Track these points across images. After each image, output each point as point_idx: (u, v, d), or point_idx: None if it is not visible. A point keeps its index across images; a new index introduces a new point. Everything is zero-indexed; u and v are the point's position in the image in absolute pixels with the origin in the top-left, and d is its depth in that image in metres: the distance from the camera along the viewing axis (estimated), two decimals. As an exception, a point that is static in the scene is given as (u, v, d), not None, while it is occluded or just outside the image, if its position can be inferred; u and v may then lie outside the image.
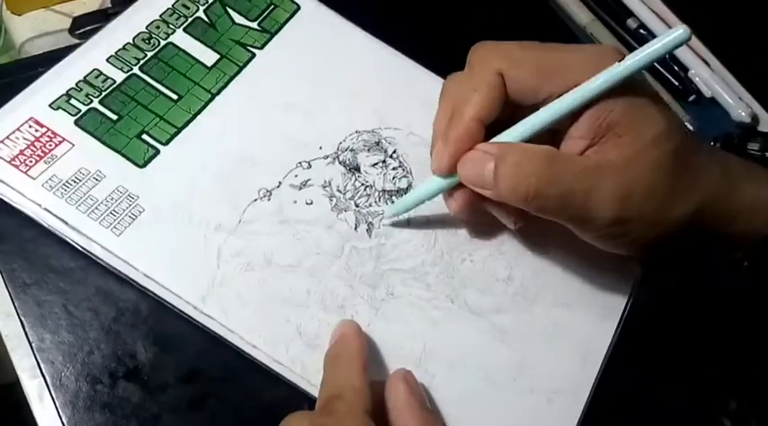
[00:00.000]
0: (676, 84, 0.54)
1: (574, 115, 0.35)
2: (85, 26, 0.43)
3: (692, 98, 0.54)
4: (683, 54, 0.54)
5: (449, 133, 0.36)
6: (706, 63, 0.54)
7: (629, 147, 0.34)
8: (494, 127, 0.36)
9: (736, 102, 0.53)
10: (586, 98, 0.34)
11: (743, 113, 0.52)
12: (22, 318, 0.36)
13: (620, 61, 0.33)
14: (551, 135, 0.36)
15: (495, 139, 0.36)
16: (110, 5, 0.48)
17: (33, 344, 0.36)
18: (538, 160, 0.34)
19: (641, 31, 0.56)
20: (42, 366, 0.36)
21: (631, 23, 0.56)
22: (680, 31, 0.32)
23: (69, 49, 0.42)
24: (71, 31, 0.47)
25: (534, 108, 0.36)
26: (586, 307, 0.40)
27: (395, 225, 0.40)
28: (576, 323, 0.40)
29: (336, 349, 0.35)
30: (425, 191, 0.38)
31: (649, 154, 0.34)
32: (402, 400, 0.33)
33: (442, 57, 0.46)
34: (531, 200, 0.34)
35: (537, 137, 0.36)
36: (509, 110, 0.36)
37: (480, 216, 0.38)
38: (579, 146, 0.35)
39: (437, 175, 0.37)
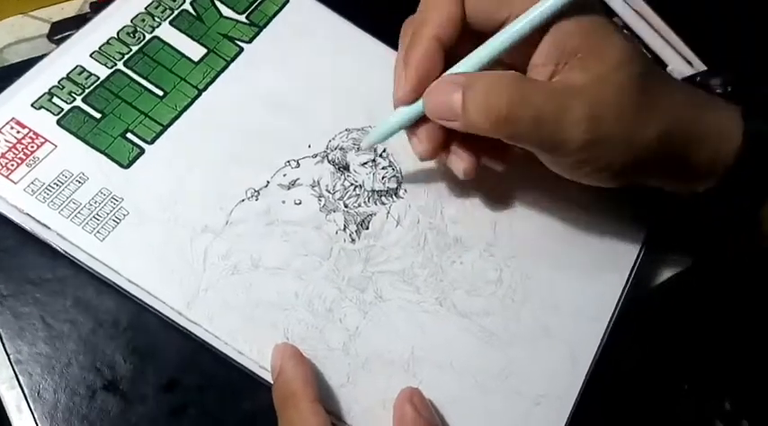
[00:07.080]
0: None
1: (534, 43, 0.34)
2: (64, 32, 0.42)
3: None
4: (664, 52, 0.55)
5: (408, 56, 0.35)
6: (690, 63, 0.54)
7: (594, 70, 0.34)
8: (456, 60, 0.36)
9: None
10: (545, 15, 0.33)
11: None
12: (0, 330, 0.35)
13: None
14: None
15: (453, 69, 0.35)
16: (88, 10, 0.47)
17: (11, 356, 0.35)
18: (507, 82, 0.33)
19: (624, 31, 0.56)
20: (20, 378, 0.35)
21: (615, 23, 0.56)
22: None
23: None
24: (50, 36, 0.46)
25: (494, 34, 0.35)
26: (575, 310, 0.40)
27: (383, 225, 0.40)
28: (564, 325, 0.39)
29: (280, 389, 0.33)
30: (394, 122, 0.37)
31: (615, 75, 0.34)
32: (409, 422, 0.33)
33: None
34: (502, 125, 0.33)
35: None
36: (471, 42, 0.36)
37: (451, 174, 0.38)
38: (544, 73, 0.35)
39: (401, 105, 0.36)
